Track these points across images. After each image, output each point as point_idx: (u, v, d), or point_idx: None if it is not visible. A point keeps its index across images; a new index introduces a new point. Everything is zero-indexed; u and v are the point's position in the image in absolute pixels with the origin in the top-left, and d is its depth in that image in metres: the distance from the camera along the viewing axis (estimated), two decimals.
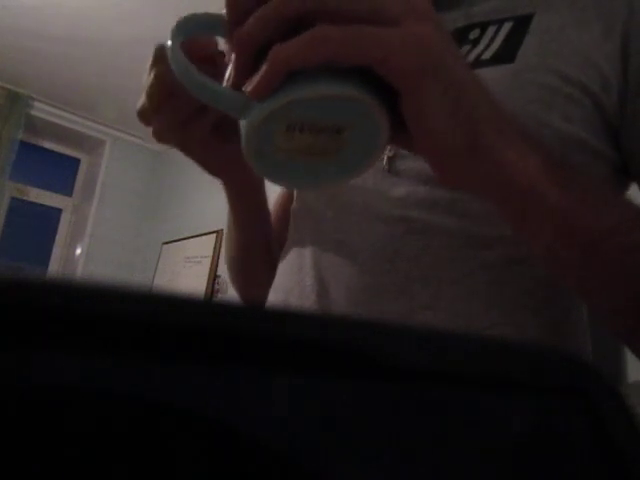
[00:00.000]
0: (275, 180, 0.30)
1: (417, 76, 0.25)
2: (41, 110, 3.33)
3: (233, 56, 0.26)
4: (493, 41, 0.41)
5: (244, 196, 0.48)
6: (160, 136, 0.36)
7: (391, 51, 0.24)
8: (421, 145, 0.28)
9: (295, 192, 0.52)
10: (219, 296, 2.65)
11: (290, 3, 0.24)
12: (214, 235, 2.84)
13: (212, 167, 0.42)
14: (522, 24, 0.41)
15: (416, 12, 0.25)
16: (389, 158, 0.42)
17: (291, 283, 0.46)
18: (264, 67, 0.24)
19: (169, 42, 0.28)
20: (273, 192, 0.59)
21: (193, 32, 0.30)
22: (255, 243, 0.54)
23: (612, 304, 0.32)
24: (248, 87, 0.25)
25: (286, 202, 0.61)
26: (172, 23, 0.30)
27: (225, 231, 0.57)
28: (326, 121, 0.26)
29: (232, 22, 0.26)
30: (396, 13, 0.25)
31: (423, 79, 0.25)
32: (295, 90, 0.24)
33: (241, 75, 0.26)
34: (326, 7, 0.24)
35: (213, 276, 2.77)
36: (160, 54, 0.33)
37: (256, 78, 0.25)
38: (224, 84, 0.27)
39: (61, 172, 3.72)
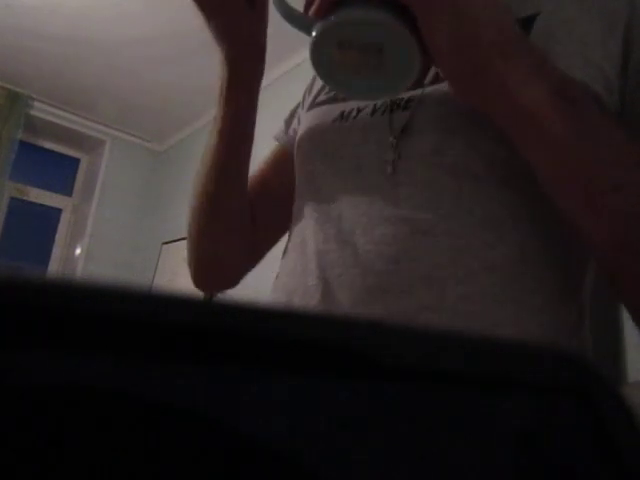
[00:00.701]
0: (334, 86, 0.39)
1: (426, 5, 0.31)
2: (41, 110, 3.33)
3: None
4: None
5: (241, 81, 0.49)
6: None
7: None
8: (436, 64, 0.34)
9: (297, 191, 0.52)
10: (219, 296, 2.65)
11: None
12: None
13: (226, 29, 0.46)
14: (527, 25, 0.41)
15: None
16: (393, 161, 0.42)
17: (295, 283, 0.46)
18: None
19: None
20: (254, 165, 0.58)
21: None
22: (233, 162, 0.53)
23: (601, 241, 0.33)
24: (311, 10, 0.34)
25: (266, 173, 0.61)
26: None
27: (200, 167, 0.54)
28: (368, 39, 0.34)
29: None
30: None
31: (432, 7, 0.31)
32: (342, 15, 0.33)
33: (309, 2, 0.35)
34: None
35: None
36: None
37: (315, 5, 0.34)
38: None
39: (61, 172, 3.72)
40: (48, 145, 3.63)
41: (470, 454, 0.11)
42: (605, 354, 1.14)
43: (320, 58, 0.35)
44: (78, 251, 3.46)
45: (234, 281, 0.62)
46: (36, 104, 3.30)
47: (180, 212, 3.37)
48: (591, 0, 0.41)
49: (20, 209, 3.46)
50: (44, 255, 3.55)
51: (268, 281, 0.56)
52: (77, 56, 2.82)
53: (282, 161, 0.59)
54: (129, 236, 3.59)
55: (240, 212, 0.56)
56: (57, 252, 3.58)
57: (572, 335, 0.42)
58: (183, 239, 3.05)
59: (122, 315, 0.09)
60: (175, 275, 3.07)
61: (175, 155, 3.57)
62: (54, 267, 3.52)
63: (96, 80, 3.02)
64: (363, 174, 0.44)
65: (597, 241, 0.34)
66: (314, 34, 0.34)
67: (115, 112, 3.37)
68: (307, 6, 0.35)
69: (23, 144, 3.33)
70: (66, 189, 3.70)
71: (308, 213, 0.48)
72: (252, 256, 0.61)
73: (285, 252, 0.51)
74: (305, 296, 0.44)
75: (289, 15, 0.37)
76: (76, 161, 3.77)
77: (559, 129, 0.31)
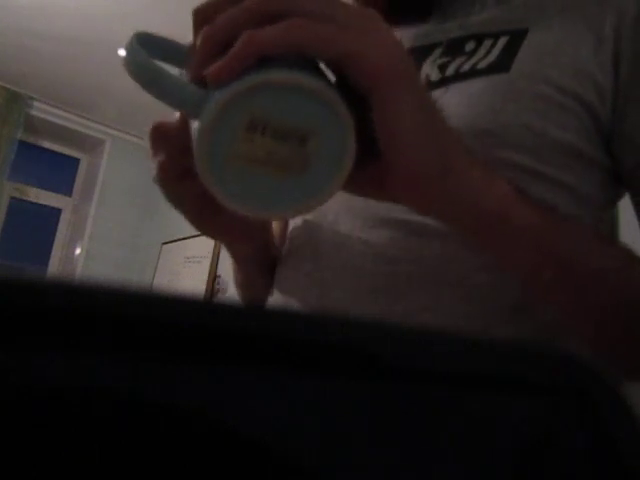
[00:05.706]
0: (227, 200, 0.25)
1: (389, 76, 0.24)
2: (41, 110, 3.33)
3: (195, 52, 0.24)
4: (489, 53, 0.42)
5: (249, 256, 0.47)
6: (159, 181, 0.32)
7: (365, 45, 0.24)
8: (393, 164, 0.26)
9: None
10: (219, 296, 2.65)
11: (267, 2, 0.24)
12: None
13: (206, 229, 0.38)
14: (518, 37, 0.42)
15: (381, 29, 0.25)
16: None
17: (292, 285, 0.46)
18: (233, 50, 0.22)
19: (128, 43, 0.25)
20: None
21: (152, 50, 0.26)
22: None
23: (580, 325, 0.33)
24: (211, 70, 0.23)
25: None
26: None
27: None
28: (290, 122, 0.24)
29: (199, 24, 0.25)
30: (363, 24, 0.25)
31: (395, 81, 0.24)
32: (263, 73, 0.23)
33: (203, 66, 0.23)
34: (302, 8, 0.24)
35: (213, 276, 2.77)
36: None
37: (222, 61, 0.23)
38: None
39: (60, 172, 3.72)
40: (48, 145, 3.63)
41: (470, 454, 0.11)
42: None
43: (213, 146, 0.23)
44: (78, 251, 3.46)
45: None
46: (36, 104, 3.30)
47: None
48: (578, 15, 0.41)
49: (20, 209, 3.46)
50: (44, 255, 3.55)
51: None
52: (77, 56, 2.82)
53: None
54: (129, 236, 3.59)
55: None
56: (57, 252, 3.58)
57: (572, 335, 0.42)
58: (183, 239, 3.07)
59: (122, 315, 0.09)
60: (175, 275, 3.08)
61: None
62: (54, 267, 3.52)
63: (96, 80, 3.02)
64: None
65: (585, 336, 0.34)
66: (216, 102, 0.23)
67: (115, 112, 3.36)
68: (198, 64, 0.24)
69: (23, 144, 3.33)
70: (66, 189, 3.70)
71: (306, 217, 0.48)
72: None
73: (284, 255, 0.51)
74: (303, 298, 0.44)
75: (162, 85, 0.23)
76: (76, 161, 3.77)
77: (531, 225, 0.29)
